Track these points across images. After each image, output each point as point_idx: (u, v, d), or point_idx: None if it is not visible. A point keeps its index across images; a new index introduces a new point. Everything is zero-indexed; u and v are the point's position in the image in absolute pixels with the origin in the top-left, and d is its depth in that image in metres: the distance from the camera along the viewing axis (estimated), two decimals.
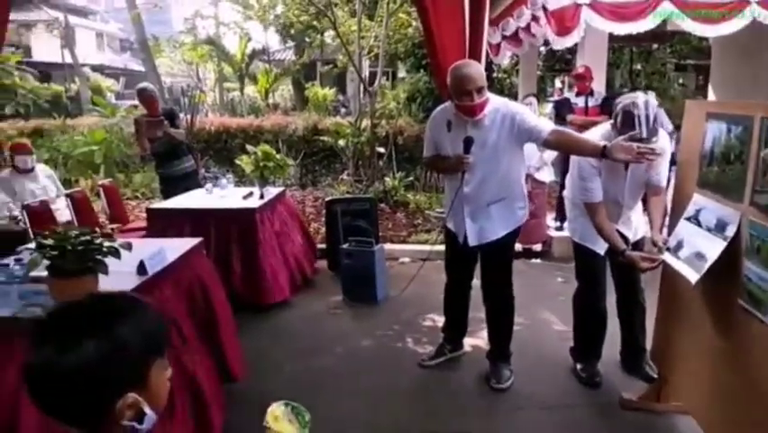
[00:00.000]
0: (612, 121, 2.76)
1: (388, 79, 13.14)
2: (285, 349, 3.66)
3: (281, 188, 5.28)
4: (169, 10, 24.59)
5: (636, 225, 3.07)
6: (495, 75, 9.87)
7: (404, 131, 8.62)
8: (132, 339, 0.90)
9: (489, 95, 2.87)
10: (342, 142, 8.14)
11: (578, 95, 5.80)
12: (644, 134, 2.53)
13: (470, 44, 4.68)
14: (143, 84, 5.35)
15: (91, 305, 0.95)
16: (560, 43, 5.48)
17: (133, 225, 5.33)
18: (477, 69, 2.86)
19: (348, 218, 5.11)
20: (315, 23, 9.98)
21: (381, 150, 7.98)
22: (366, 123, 8.14)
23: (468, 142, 2.86)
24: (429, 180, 8.13)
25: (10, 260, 2.29)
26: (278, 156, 5.25)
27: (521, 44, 7.16)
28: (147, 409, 0.92)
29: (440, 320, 3.81)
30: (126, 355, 0.89)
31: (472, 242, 3.05)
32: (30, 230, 4.06)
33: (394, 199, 7.34)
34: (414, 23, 8.79)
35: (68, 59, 17.96)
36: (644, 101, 2.58)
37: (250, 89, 17.89)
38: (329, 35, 11.57)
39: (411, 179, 8.03)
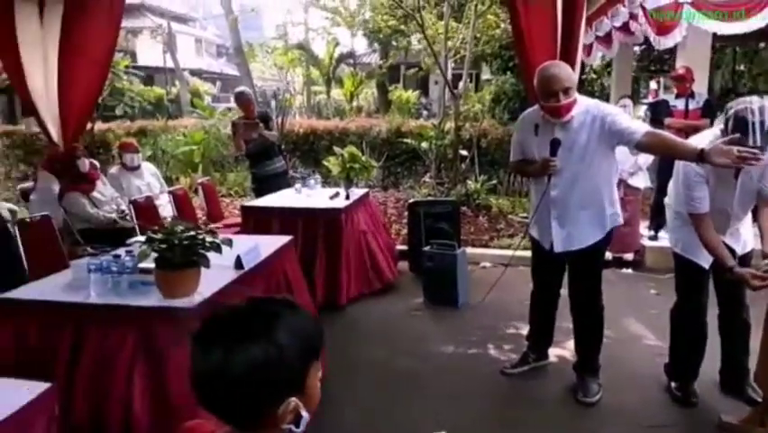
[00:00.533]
0: (722, 126, 2.59)
1: (471, 81, 13.01)
2: (364, 349, 3.71)
3: (365, 190, 5.38)
4: (262, 17, 25.68)
5: (745, 237, 2.85)
6: (585, 76, 9.52)
7: (488, 133, 8.52)
8: (293, 344, 0.91)
9: (578, 96, 2.79)
10: (425, 145, 8.17)
11: (677, 97, 5.49)
12: (759, 142, 2.35)
13: (563, 46, 4.56)
14: (241, 88, 5.63)
15: (252, 310, 0.96)
16: (661, 43, 5.21)
17: (228, 222, 5.61)
18: (564, 70, 2.78)
19: (430, 220, 5.11)
20: (402, 26, 10.06)
21: (464, 152, 7.93)
22: (449, 125, 8.12)
23: (554, 145, 2.79)
24: (512, 185, 7.98)
25: (122, 251, 2.49)
26: (363, 158, 5.36)
27: (611, 45, 6.90)
28: (303, 412, 0.93)
29: (523, 328, 3.73)
30: (288, 361, 0.90)
31: (558, 248, 2.95)
32: (136, 224, 4.37)
33: (476, 203, 7.27)
34: (502, 25, 8.67)
35: (170, 64, 19.17)
36: (760, 106, 2.40)
37: (335, 92, 18.34)
38: (415, 38, 11.62)
39: (494, 182, 7.92)
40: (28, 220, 3.92)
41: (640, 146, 2.74)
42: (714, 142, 2.53)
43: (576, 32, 4.54)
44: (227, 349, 0.88)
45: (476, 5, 8.06)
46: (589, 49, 7.60)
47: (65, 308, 2.26)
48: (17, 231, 3.52)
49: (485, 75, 16.35)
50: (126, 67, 11.24)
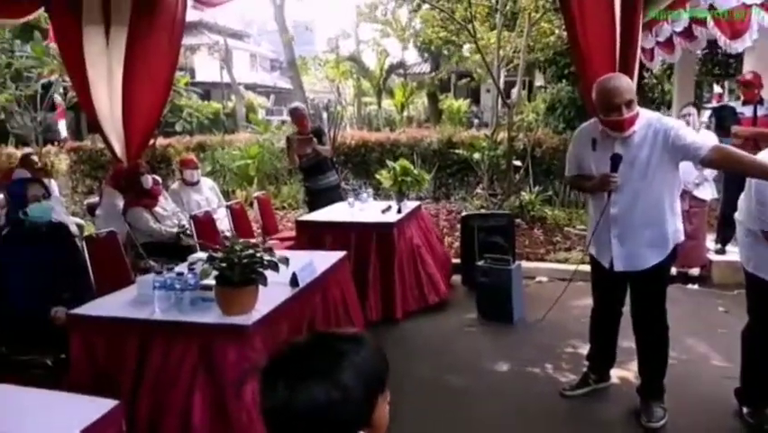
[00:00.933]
0: None
1: (524, 88, 12.84)
2: (415, 365, 3.66)
3: (417, 203, 5.37)
4: (314, 31, 26.22)
5: None
6: (645, 81, 9.22)
7: (542, 143, 8.35)
8: (358, 385, 0.91)
9: (642, 110, 2.69)
10: (477, 156, 8.09)
11: (744, 103, 5.23)
12: None
13: (621, 53, 4.43)
14: (295, 104, 5.76)
15: (317, 347, 0.96)
16: (731, 47, 4.99)
17: (282, 235, 5.71)
18: (626, 82, 2.68)
19: (484, 234, 5.04)
20: (453, 38, 10.05)
21: (518, 163, 7.80)
22: (502, 135, 8.02)
23: (616, 160, 2.68)
24: (569, 196, 7.79)
25: (184, 268, 2.57)
26: (414, 171, 5.36)
27: (673, 50, 6.66)
28: None
29: (582, 347, 3.62)
30: (353, 400, 0.91)
31: (618, 267, 2.84)
32: (196, 238, 4.50)
33: (531, 215, 7.13)
34: (556, 32, 8.52)
35: (226, 79, 19.79)
36: None
37: (386, 103, 18.48)
38: (466, 48, 11.57)
39: (549, 193, 7.75)
40: (95, 236, 4.10)
41: (706, 162, 2.65)
42: None
43: (635, 37, 4.40)
44: (291, 387, 0.89)
45: (529, 14, 7.96)
46: (650, 53, 7.37)
47: (131, 323, 2.35)
48: (84, 246, 3.68)
49: (538, 81, 16.10)
50: (186, 84, 11.66)
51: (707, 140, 2.70)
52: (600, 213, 2.84)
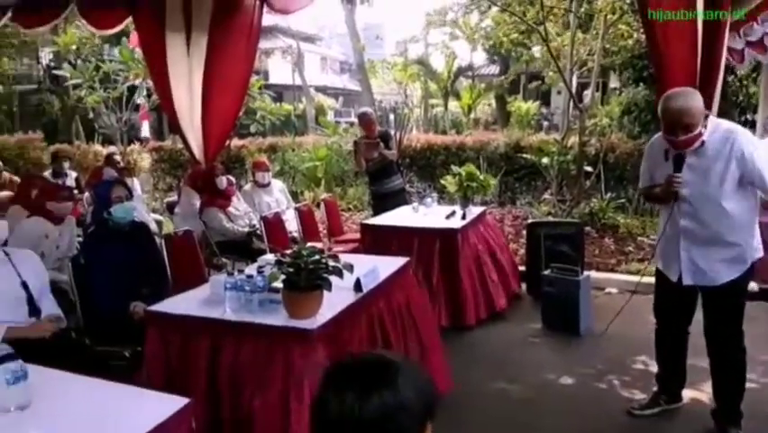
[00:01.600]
0: None
1: (597, 90, 12.41)
2: (478, 374, 3.64)
3: (482, 208, 5.31)
4: (384, 34, 26.43)
5: None
6: (731, 85, 8.70)
7: (615, 148, 8.05)
8: (416, 397, 0.94)
9: (716, 120, 2.66)
10: (545, 160, 7.90)
11: None
12: None
13: (703, 59, 4.22)
14: (364, 109, 5.85)
15: (376, 360, 1.00)
16: None
17: (347, 237, 5.81)
18: (689, 103, 2.59)
19: (551, 243, 4.93)
20: (525, 40, 9.86)
21: (589, 168, 7.56)
22: (573, 139, 7.80)
23: (679, 161, 2.64)
24: (643, 203, 7.46)
25: (254, 271, 2.68)
26: (480, 176, 5.30)
27: (766, 50, 6.24)
28: None
29: (652, 364, 3.44)
30: (411, 412, 0.94)
31: (687, 280, 2.73)
32: (266, 239, 4.66)
33: (601, 222, 6.89)
34: (634, 35, 8.19)
35: (298, 81, 20.32)
36: None
37: (453, 105, 18.37)
38: (537, 50, 11.32)
39: (622, 200, 7.46)
40: (173, 234, 4.33)
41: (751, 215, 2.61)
42: None
43: (720, 42, 4.19)
44: (360, 394, 0.92)
45: (605, 16, 7.69)
46: (740, 54, 6.96)
47: (203, 322, 2.47)
48: (163, 243, 3.89)
49: (612, 83, 15.53)
50: (260, 87, 12.06)
51: None
52: (666, 219, 2.75)
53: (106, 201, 3.23)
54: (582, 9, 8.10)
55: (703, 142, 2.60)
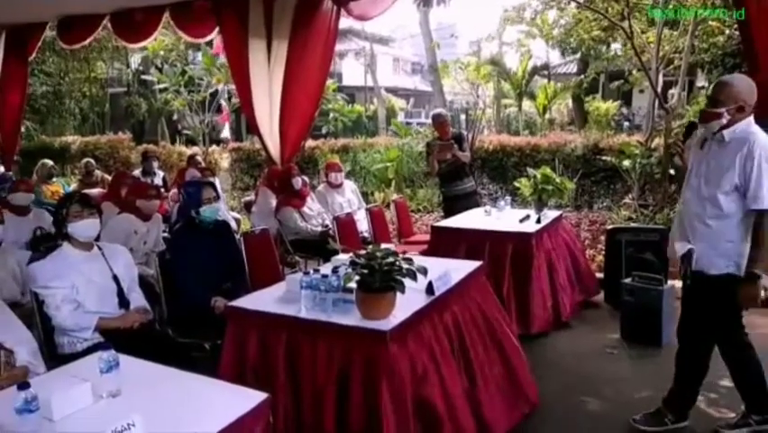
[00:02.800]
0: None
1: (684, 90, 11.74)
2: (551, 386, 3.48)
3: (558, 212, 5.14)
4: (458, 33, 26.23)
5: None
6: None
7: None
8: None
9: (749, 126, 2.63)
10: (627, 163, 7.55)
11: None
12: None
13: None
14: (438, 110, 5.82)
15: None
16: None
17: (416, 238, 5.80)
18: (727, 80, 2.71)
19: (633, 250, 4.69)
20: (608, 37, 9.47)
21: (673, 171, 7.15)
22: (658, 141, 7.41)
23: (690, 127, 2.81)
24: None
25: (328, 270, 2.71)
26: (557, 179, 5.14)
27: None
28: None
29: None
30: None
31: (694, 267, 2.74)
32: (338, 239, 4.72)
33: None
34: (727, 31, 7.68)
35: (370, 83, 20.55)
36: None
37: (527, 105, 17.93)
38: (617, 47, 10.85)
39: None
40: (250, 232, 4.48)
41: (749, 216, 2.58)
42: None
43: None
44: None
45: (696, 11, 7.25)
46: None
47: (280, 319, 2.53)
48: (242, 240, 4.02)
49: (700, 82, 14.66)
50: (334, 90, 12.32)
51: (764, 201, 2.53)
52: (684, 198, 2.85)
53: (197, 201, 3.39)
54: (670, 5, 7.67)
55: (722, 128, 2.64)
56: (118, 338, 2.63)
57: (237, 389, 1.93)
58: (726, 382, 3.41)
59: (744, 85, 2.66)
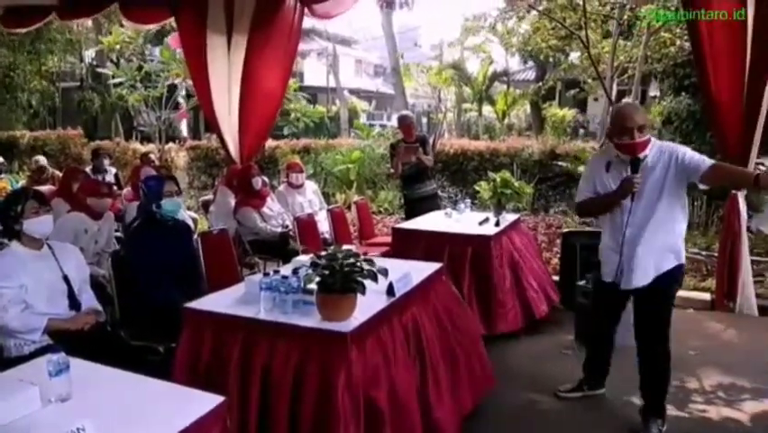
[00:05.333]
0: None
1: (637, 98, 12.17)
2: (508, 384, 3.54)
3: (516, 216, 5.24)
4: (420, 37, 26.43)
5: None
6: None
7: None
8: None
9: (654, 139, 2.86)
10: (582, 169, 7.74)
11: None
12: None
13: (752, 63, 4.11)
14: (405, 112, 5.85)
15: None
16: None
17: (377, 240, 5.81)
18: (639, 109, 2.93)
19: (587, 253, 4.80)
20: (564, 46, 9.73)
21: None
22: None
23: (636, 163, 2.77)
24: (692, 216, 7.26)
25: (288, 271, 2.69)
26: (515, 183, 5.23)
27: None
28: None
29: (688, 380, 3.54)
30: None
31: (625, 285, 2.94)
32: (298, 240, 4.69)
33: None
34: (678, 42, 7.99)
35: (332, 84, 20.48)
36: None
37: (487, 110, 18.23)
38: (575, 56, 11.15)
39: None
40: (208, 232, 4.40)
41: (705, 179, 2.73)
42: None
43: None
44: None
45: (649, 23, 7.52)
46: None
47: (237, 320, 2.49)
48: (199, 240, 3.95)
49: (652, 92, 15.19)
50: (296, 89, 12.20)
51: (708, 159, 2.76)
52: (621, 228, 2.88)
53: (158, 194, 3.32)
54: (625, 16, 7.94)
55: (645, 156, 2.79)
56: (68, 341, 2.53)
57: (192, 392, 1.89)
58: (674, 382, 3.53)
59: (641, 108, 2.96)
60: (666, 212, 2.83)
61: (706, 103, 4.66)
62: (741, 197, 4.59)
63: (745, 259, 4.66)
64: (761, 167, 5.12)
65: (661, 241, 2.86)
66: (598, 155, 3.18)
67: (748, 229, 5.06)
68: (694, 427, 3.09)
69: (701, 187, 2.89)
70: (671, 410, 3.20)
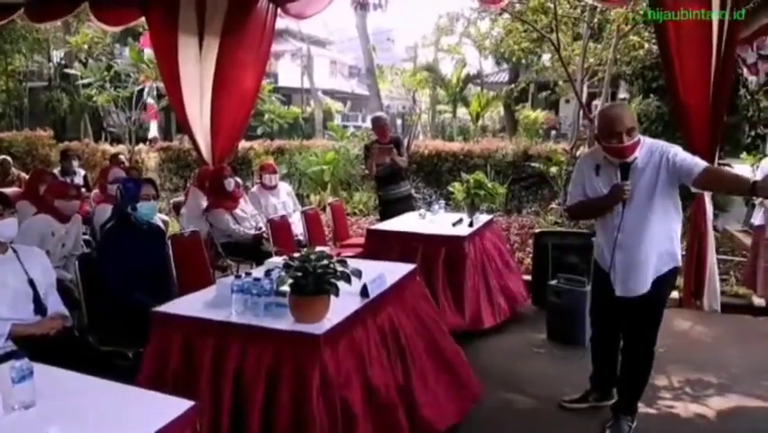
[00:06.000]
0: None
1: (607, 100, 12.39)
2: (482, 383, 3.58)
3: (489, 216, 5.28)
4: (395, 39, 26.48)
5: None
6: (741, 97, 8.66)
7: None
8: None
9: (642, 137, 2.75)
10: (554, 170, 7.87)
11: None
12: None
13: (717, 70, 4.22)
14: (379, 114, 5.85)
15: None
16: None
17: (352, 242, 5.80)
18: (627, 111, 2.79)
19: (558, 252, 4.88)
20: (536, 48, 9.86)
21: None
22: (583, 149, 7.77)
23: (625, 168, 2.71)
24: None
25: (261, 273, 2.66)
26: (489, 184, 5.27)
27: None
28: None
29: (656, 376, 3.50)
30: None
31: (618, 292, 2.88)
32: (272, 242, 4.65)
33: None
34: (646, 45, 8.17)
35: (307, 85, 20.38)
36: None
37: (461, 112, 18.36)
38: (547, 58, 11.31)
39: None
40: (179, 234, 4.33)
41: (698, 182, 2.66)
42: None
43: (732, 51, 4.20)
44: None
45: (618, 26, 7.67)
46: (754, 68, 6.95)
47: (208, 323, 2.46)
48: (170, 243, 3.88)
49: (622, 94, 15.48)
50: (270, 90, 12.10)
51: (701, 162, 2.67)
52: (613, 232, 2.81)
53: (135, 197, 3.26)
54: (595, 19, 8.08)
55: (635, 158, 2.70)
56: (33, 346, 2.47)
57: (161, 397, 1.86)
58: None
59: (629, 108, 2.84)
60: (660, 214, 2.75)
61: (674, 105, 4.77)
62: (707, 197, 4.70)
63: (712, 258, 4.77)
64: (726, 168, 5.26)
65: (657, 245, 2.78)
66: (587, 157, 3.05)
67: (714, 228, 5.20)
68: (662, 423, 3.14)
69: (693, 190, 2.85)
70: (640, 407, 3.26)
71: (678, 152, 2.69)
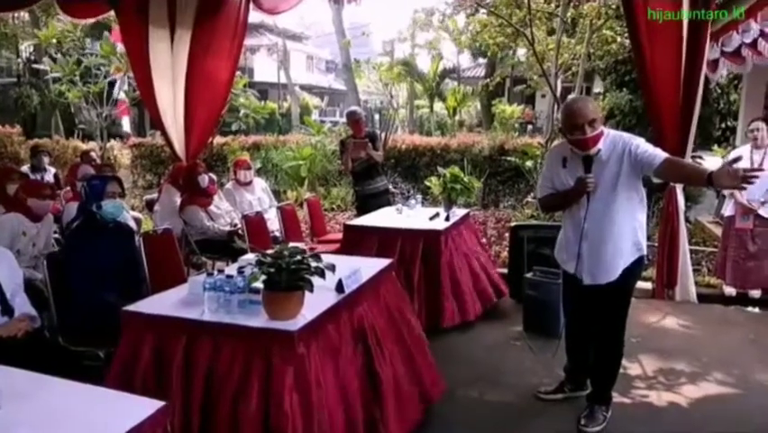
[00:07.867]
0: None
1: (581, 94, 12.54)
2: (460, 375, 3.59)
3: (466, 211, 5.30)
4: (371, 34, 26.39)
5: None
6: (711, 93, 8.83)
7: None
8: None
9: (605, 129, 2.80)
10: (529, 164, 7.94)
11: None
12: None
13: (687, 64, 4.29)
14: (353, 108, 5.81)
15: None
16: None
17: (329, 237, 5.77)
18: (590, 104, 2.82)
19: (534, 245, 4.92)
20: (511, 43, 9.92)
21: None
22: (557, 143, 7.84)
23: (588, 161, 2.76)
24: None
25: (234, 271, 2.63)
26: (465, 178, 5.29)
27: (744, 61, 6.35)
28: None
29: (630, 366, 3.60)
30: None
31: (587, 281, 2.93)
32: (247, 238, 4.59)
33: None
34: (618, 39, 8.27)
35: (283, 79, 20.21)
36: None
37: (438, 106, 18.40)
38: (522, 52, 11.39)
39: None
40: (152, 232, 4.26)
41: (658, 172, 2.72)
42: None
43: (702, 46, 4.27)
44: None
45: (591, 21, 7.75)
46: (714, 65, 7.05)
47: (180, 322, 2.41)
48: (141, 241, 3.81)
49: (596, 88, 15.67)
50: (245, 85, 11.94)
51: (661, 153, 2.72)
52: (580, 223, 2.85)
53: (99, 194, 3.19)
54: (569, 14, 8.16)
55: (599, 150, 2.75)
56: (1, 348, 2.41)
57: (131, 398, 1.82)
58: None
59: (592, 101, 2.90)
60: (624, 204, 2.79)
61: (646, 99, 4.83)
62: (679, 189, 4.77)
63: (684, 248, 4.86)
64: (698, 160, 5.35)
65: (622, 235, 2.82)
66: (554, 150, 3.11)
67: (687, 220, 5.29)
68: (636, 411, 3.19)
69: (655, 181, 2.93)
70: (614, 397, 3.31)
71: (640, 144, 2.73)
